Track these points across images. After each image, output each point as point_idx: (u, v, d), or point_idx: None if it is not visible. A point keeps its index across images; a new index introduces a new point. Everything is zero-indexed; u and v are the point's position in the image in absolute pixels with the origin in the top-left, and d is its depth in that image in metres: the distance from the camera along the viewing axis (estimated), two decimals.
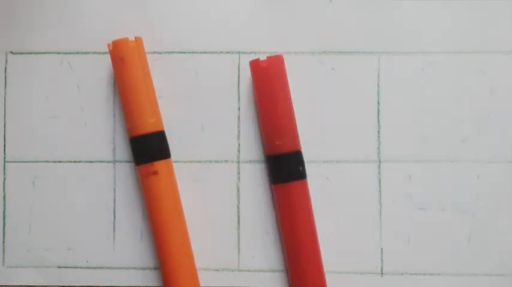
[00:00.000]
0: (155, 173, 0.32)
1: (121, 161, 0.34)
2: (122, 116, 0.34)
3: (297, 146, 0.32)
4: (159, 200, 0.32)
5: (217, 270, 0.34)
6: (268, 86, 0.32)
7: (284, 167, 0.32)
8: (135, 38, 0.32)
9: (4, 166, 0.34)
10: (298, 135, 0.33)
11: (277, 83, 0.32)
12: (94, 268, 0.34)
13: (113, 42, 0.32)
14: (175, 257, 0.32)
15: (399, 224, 0.33)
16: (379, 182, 0.33)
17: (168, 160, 0.33)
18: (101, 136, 0.34)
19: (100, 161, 0.34)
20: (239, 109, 0.34)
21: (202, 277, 0.33)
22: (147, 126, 0.32)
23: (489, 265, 0.33)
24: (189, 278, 0.32)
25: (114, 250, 0.34)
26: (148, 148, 0.32)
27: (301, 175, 0.32)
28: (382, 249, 0.33)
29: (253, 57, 0.34)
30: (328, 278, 0.33)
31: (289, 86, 0.33)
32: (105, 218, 0.34)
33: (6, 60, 0.34)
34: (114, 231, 0.34)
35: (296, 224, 0.32)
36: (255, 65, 0.32)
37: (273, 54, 0.33)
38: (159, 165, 0.32)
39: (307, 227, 0.32)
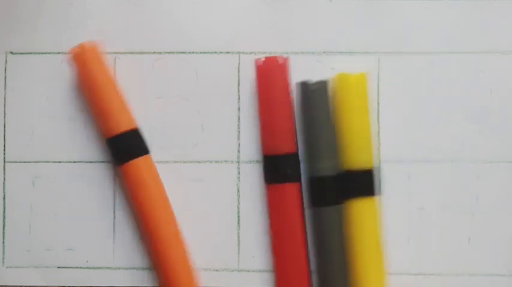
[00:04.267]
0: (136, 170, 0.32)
1: None
2: None
3: (292, 148, 0.32)
4: (143, 198, 0.32)
5: (217, 270, 0.34)
6: (267, 85, 0.32)
7: (277, 168, 0.32)
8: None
9: (4, 166, 0.34)
10: (295, 138, 0.33)
11: (276, 84, 0.32)
12: (94, 268, 0.34)
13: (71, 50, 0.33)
14: (168, 256, 0.32)
15: (399, 224, 0.33)
16: (379, 182, 0.33)
17: (147, 155, 0.33)
18: (101, 136, 0.34)
19: (100, 161, 0.34)
20: (239, 109, 0.34)
21: (202, 277, 0.33)
22: (122, 126, 0.32)
23: (489, 265, 0.33)
24: (184, 277, 0.32)
25: (114, 250, 0.34)
26: (126, 147, 0.32)
27: (295, 178, 0.32)
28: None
29: (253, 57, 0.34)
30: None
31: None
32: (105, 218, 0.34)
33: (6, 61, 0.34)
34: (114, 231, 0.34)
35: (284, 225, 0.32)
36: (258, 64, 0.32)
37: (272, 55, 0.33)
38: (139, 162, 0.32)
39: (294, 228, 0.32)
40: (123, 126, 0.32)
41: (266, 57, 0.32)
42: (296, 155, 0.32)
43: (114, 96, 0.33)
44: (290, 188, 0.32)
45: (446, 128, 0.33)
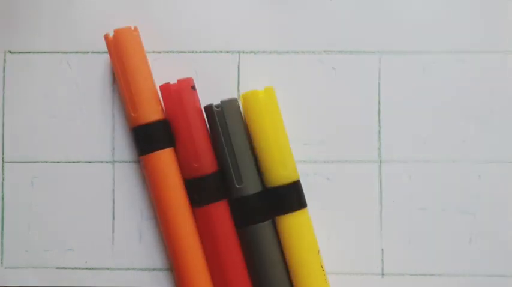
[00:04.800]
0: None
1: (120, 162, 0.34)
2: (121, 116, 0.34)
3: (211, 168, 0.32)
4: (165, 191, 0.32)
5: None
6: (178, 110, 0.32)
7: (203, 189, 0.32)
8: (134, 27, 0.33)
9: (3, 166, 0.34)
10: (214, 157, 0.32)
11: (185, 108, 0.32)
12: (93, 269, 0.34)
13: (115, 30, 0.32)
14: (188, 255, 0.32)
15: (400, 224, 0.33)
16: (380, 182, 0.33)
17: (166, 150, 0.32)
18: (100, 136, 0.34)
19: (99, 162, 0.34)
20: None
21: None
22: (153, 115, 0.32)
23: (490, 265, 0.33)
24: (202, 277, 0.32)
25: (113, 251, 0.34)
26: (153, 137, 0.32)
27: (220, 197, 0.32)
28: (382, 249, 0.33)
29: (253, 57, 0.34)
30: (329, 279, 0.33)
31: (290, 85, 0.33)
32: (104, 218, 0.34)
33: (5, 60, 0.34)
34: (113, 232, 0.34)
35: (219, 246, 0.32)
36: (165, 89, 0.32)
37: (272, 54, 0.33)
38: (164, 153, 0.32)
39: (230, 248, 0.32)
40: (153, 116, 0.32)
41: (178, 81, 0.32)
42: (215, 174, 0.32)
43: (147, 85, 0.32)
44: (218, 208, 0.32)
45: (447, 128, 0.33)
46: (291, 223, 0.31)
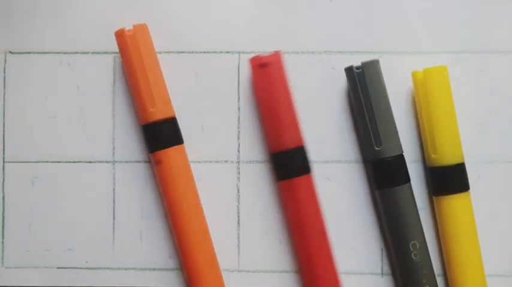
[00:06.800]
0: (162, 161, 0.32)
1: (120, 162, 0.34)
2: (122, 116, 0.34)
3: (300, 141, 0.32)
4: (173, 189, 0.32)
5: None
6: (267, 84, 0.32)
7: (289, 163, 0.32)
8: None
9: (3, 166, 0.34)
10: (300, 130, 0.32)
11: (277, 81, 0.32)
12: (93, 268, 0.34)
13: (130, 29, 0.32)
14: (195, 251, 0.32)
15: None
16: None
17: (181, 145, 0.33)
18: (100, 136, 0.34)
19: (99, 162, 0.34)
20: (239, 109, 0.34)
21: None
22: (161, 113, 0.32)
23: (490, 265, 0.33)
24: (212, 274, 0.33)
25: (113, 250, 0.34)
26: (161, 135, 0.32)
27: (306, 169, 0.32)
28: (382, 249, 0.33)
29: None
30: None
31: (290, 85, 0.33)
32: (104, 218, 0.34)
33: (5, 60, 0.34)
34: (113, 232, 0.34)
35: (303, 221, 0.32)
36: (254, 62, 0.32)
37: (272, 54, 0.33)
38: (171, 151, 0.32)
39: (314, 223, 0.32)
40: (161, 114, 0.32)
41: (256, 56, 0.32)
42: (303, 148, 0.32)
43: (157, 81, 0.32)
44: (304, 181, 0.32)
45: None
46: (460, 203, 0.32)
